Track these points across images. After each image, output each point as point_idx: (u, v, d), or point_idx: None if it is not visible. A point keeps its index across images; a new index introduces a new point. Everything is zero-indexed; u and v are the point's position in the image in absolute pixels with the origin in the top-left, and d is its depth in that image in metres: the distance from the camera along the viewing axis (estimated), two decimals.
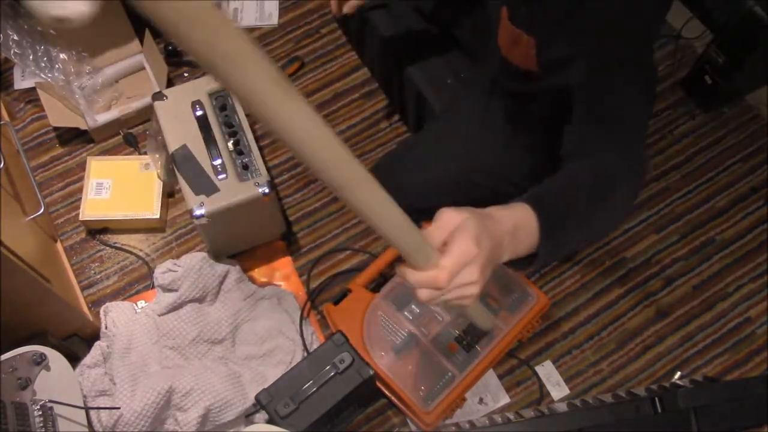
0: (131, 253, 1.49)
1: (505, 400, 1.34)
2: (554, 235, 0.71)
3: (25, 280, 1.11)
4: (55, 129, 1.61)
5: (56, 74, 1.54)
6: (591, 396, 1.29)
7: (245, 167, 1.28)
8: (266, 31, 1.75)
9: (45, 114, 1.57)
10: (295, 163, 1.58)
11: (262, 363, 1.33)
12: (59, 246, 1.49)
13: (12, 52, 1.50)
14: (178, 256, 1.43)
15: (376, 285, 1.36)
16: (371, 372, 1.16)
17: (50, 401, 1.09)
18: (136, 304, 1.41)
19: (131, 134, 1.60)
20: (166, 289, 1.37)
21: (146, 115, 1.60)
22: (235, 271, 1.39)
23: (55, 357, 1.13)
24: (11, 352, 1.11)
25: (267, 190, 1.25)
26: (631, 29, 0.83)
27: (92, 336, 1.34)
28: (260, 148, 1.55)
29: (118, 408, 1.20)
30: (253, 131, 1.35)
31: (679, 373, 1.35)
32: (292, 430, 1.11)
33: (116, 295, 1.45)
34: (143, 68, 1.65)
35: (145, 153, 1.56)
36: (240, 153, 1.30)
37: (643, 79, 0.86)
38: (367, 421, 1.32)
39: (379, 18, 1.42)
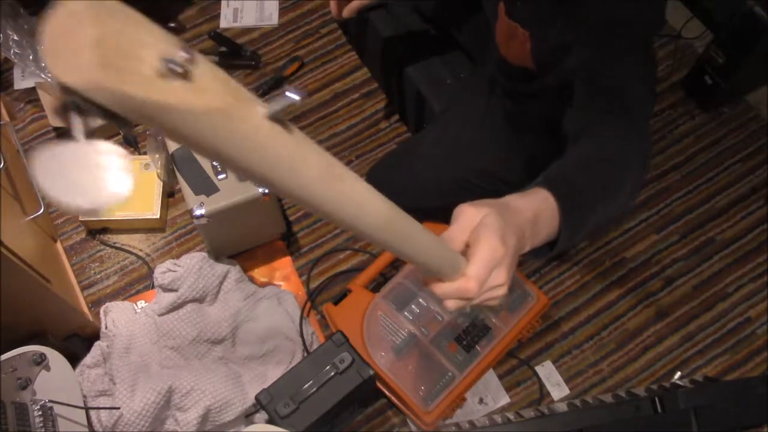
0: (131, 253, 1.49)
1: (505, 400, 1.34)
2: (574, 219, 0.68)
3: (25, 280, 1.11)
4: (55, 129, 1.61)
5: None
6: (591, 396, 1.29)
7: None
8: (266, 31, 1.75)
9: (45, 114, 1.57)
10: None
11: (262, 363, 1.33)
12: (59, 246, 1.49)
13: (12, 52, 1.50)
14: (178, 256, 1.43)
15: (376, 285, 1.36)
16: (371, 372, 1.16)
17: (50, 401, 1.09)
18: (136, 304, 1.41)
19: (131, 134, 1.60)
20: (166, 289, 1.37)
21: None
22: (235, 271, 1.39)
23: (55, 357, 1.13)
24: (11, 352, 1.11)
25: (267, 190, 1.25)
26: (626, 15, 0.82)
27: (92, 336, 1.34)
28: None
29: (118, 408, 1.20)
30: None
31: (679, 373, 1.35)
32: (292, 430, 1.11)
33: (116, 295, 1.45)
34: None
35: (145, 153, 1.56)
36: None
37: (644, 64, 0.85)
38: (367, 421, 1.32)
39: (379, 18, 1.42)
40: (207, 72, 0.35)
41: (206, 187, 1.26)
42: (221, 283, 1.38)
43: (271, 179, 0.40)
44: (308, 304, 1.41)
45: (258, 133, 0.38)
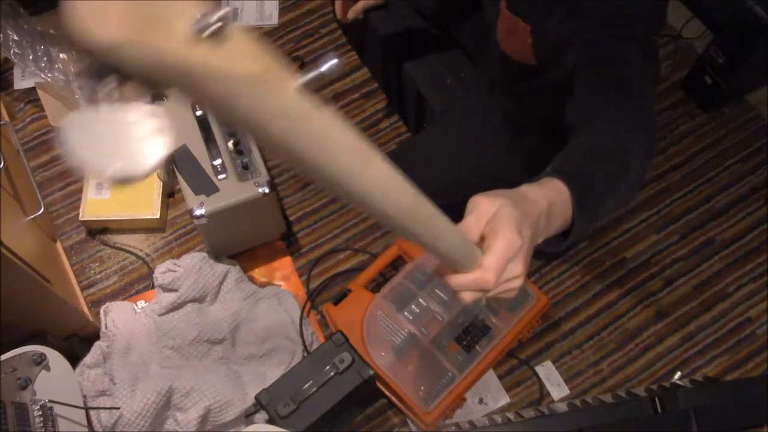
0: (131, 253, 1.49)
1: (505, 400, 1.34)
2: (587, 208, 0.68)
3: (25, 280, 1.11)
4: (55, 129, 1.60)
5: (56, 74, 1.54)
6: (591, 396, 1.29)
7: (245, 167, 1.28)
8: (266, 31, 1.75)
9: (45, 114, 1.57)
10: None
11: (262, 363, 1.33)
12: (59, 246, 1.49)
13: (12, 52, 1.50)
14: (178, 256, 1.43)
15: (376, 285, 1.36)
16: (371, 372, 1.16)
17: (50, 401, 1.09)
18: (136, 304, 1.41)
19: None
20: (166, 289, 1.37)
21: None
22: (235, 271, 1.39)
23: (55, 357, 1.13)
24: (11, 352, 1.11)
25: (267, 190, 1.25)
26: (627, 7, 0.82)
27: (92, 336, 1.34)
28: (260, 148, 1.55)
29: (118, 408, 1.20)
30: None
31: (679, 373, 1.35)
32: (292, 430, 1.11)
33: (116, 295, 1.45)
34: None
35: None
36: (240, 153, 1.30)
37: (645, 54, 0.85)
38: (367, 421, 1.32)
39: (379, 18, 1.42)
40: (242, 37, 0.34)
41: (206, 187, 1.26)
42: (221, 283, 1.38)
43: (299, 152, 0.39)
44: (308, 304, 1.40)
45: (289, 102, 0.36)
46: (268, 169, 1.31)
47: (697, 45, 1.69)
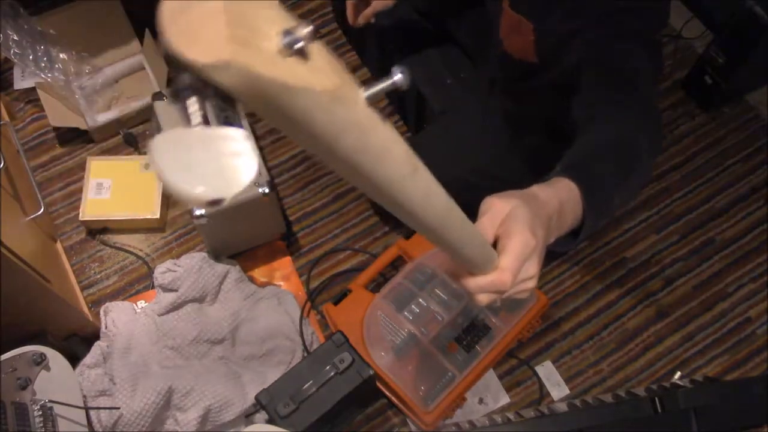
0: (131, 253, 1.49)
1: (505, 400, 1.34)
2: (597, 206, 0.68)
3: (25, 280, 1.11)
4: (55, 129, 1.61)
5: (56, 74, 1.54)
6: (591, 396, 1.29)
7: None
8: None
9: (45, 114, 1.57)
10: (295, 163, 1.58)
11: (262, 363, 1.33)
12: (59, 246, 1.49)
13: (12, 52, 1.50)
14: (178, 256, 1.43)
15: (376, 285, 1.36)
16: (371, 372, 1.16)
17: (50, 401, 1.09)
18: (136, 304, 1.41)
19: (131, 134, 1.60)
20: (166, 289, 1.37)
21: (146, 115, 1.60)
22: (235, 271, 1.39)
23: (55, 357, 1.13)
24: (11, 352, 1.11)
25: (267, 190, 1.25)
26: (630, 4, 0.82)
27: (92, 336, 1.34)
28: (260, 148, 1.56)
29: (118, 408, 1.20)
30: (253, 131, 1.35)
31: (679, 373, 1.35)
32: (292, 430, 1.11)
33: (116, 295, 1.45)
34: (143, 68, 1.65)
35: (145, 153, 1.56)
36: None
37: (650, 51, 0.85)
38: (367, 421, 1.32)
39: (378, 18, 1.42)
40: (319, 51, 0.33)
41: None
42: (221, 283, 1.38)
43: (360, 166, 0.38)
44: (308, 304, 1.41)
45: (361, 118, 0.36)
46: (268, 169, 1.31)
47: (697, 45, 1.69)
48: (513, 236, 0.56)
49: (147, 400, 1.20)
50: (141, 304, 1.41)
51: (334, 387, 1.16)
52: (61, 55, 1.56)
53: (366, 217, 1.52)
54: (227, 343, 1.34)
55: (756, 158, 1.58)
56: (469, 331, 1.23)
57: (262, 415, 1.25)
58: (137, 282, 1.46)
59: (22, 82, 1.65)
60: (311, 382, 1.16)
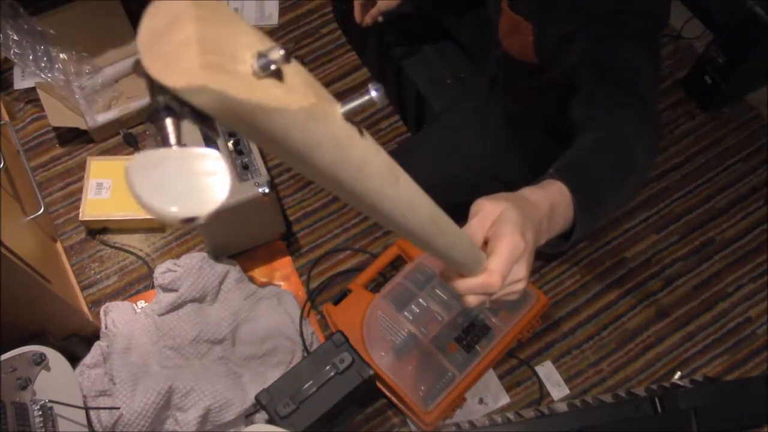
0: (131, 253, 1.49)
1: (505, 400, 1.34)
2: (589, 209, 0.68)
3: (25, 280, 1.11)
4: (55, 129, 1.61)
5: (56, 74, 1.54)
6: (591, 396, 1.29)
7: (245, 167, 1.28)
8: (266, 31, 1.75)
9: (45, 114, 1.57)
10: None
11: (262, 363, 1.33)
12: (59, 246, 1.49)
13: (12, 52, 1.50)
14: (178, 256, 1.43)
15: (376, 285, 1.36)
16: (371, 372, 1.16)
17: (50, 401, 1.09)
18: (136, 304, 1.41)
19: (131, 134, 1.60)
20: (166, 289, 1.37)
21: (146, 115, 1.60)
22: (235, 271, 1.39)
23: (55, 357, 1.13)
24: (11, 352, 1.11)
25: (267, 190, 1.25)
26: (630, 4, 0.82)
27: (92, 336, 1.34)
28: (260, 148, 1.55)
29: (118, 408, 1.20)
30: None
31: (679, 373, 1.35)
32: (292, 430, 1.11)
33: (116, 295, 1.45)
34: None
35: None
36: (240, 153, 1.30)
37: (649, 51, 0.85)
38: (367, 421, 1.32)
39: (385, 18, 1.42)
40: (294, 70, 0.34)
41: None
42: (221, 283, 1.38)
43: (340, 179, 0.39)
44: (308, 304, 1.40)
45: (337, 133, 0.37)
46: (268, 169, 1.31)
47: (697, 45, 1.69)
48: (502, 238, 0.56)
49: (147, 400, 1.20)
50: (141, 304, 1.41)
51: (334, 387, 1.16)
52: (61, 55, 1.56)
53: (366, 217, 1.52)
54: (227, 343, 1.34)
55: (756, 158, 1.58)
56: (469, 331, 1.23)
57: (262, 415, 1.25)
58: (137, 282, 1.46)
59: (22, 82, 1.65)
60: (311, 382, 1.16)
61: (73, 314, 1.30)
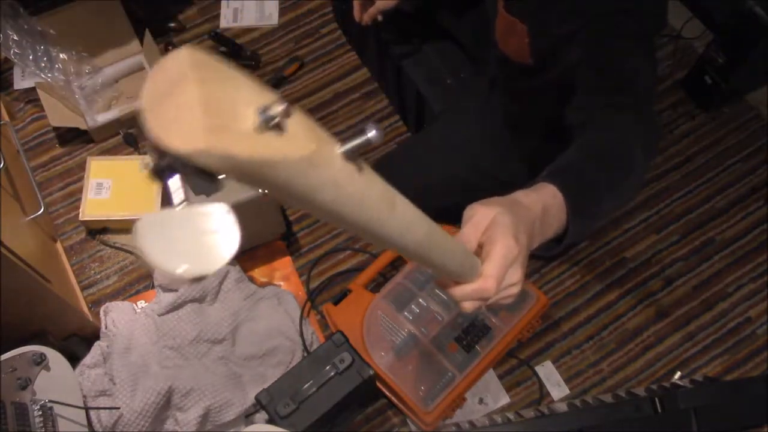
0: (131, 253, 1.49)
1: (505, 400, 1.34)
2: (582, 212, 0.68)
3: (25, 280, 1.11)
4: (55, 129, 1.61)
5: (56, 74, 1.54)
6: (591, 396, 1.29)
7: None
8: (266, 31, 1.75)
9: (45, 114, 1.57)
10: None
11: (262, 363, 1.33)
12: (59, 246, 1.49)
13: (12, 52, 1.50)
14: None
15: (376, 285, 1.36)
16: (371, 372, 1.16)
17: (50, 401, 1.09)
18: (136, 304, 1.41)
19: (131, 134, 1.60)
20: (166, 289, 1.37)
21: None
22: (235, 271, 1.39)
23: (55, 357, 1.13)
24: (11, 352, 1.11)
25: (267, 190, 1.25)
26: (627, 6, 0.82)
27: (92, 336, 1.34)
28: None
29: (118, 408, 1.20)
30: None
31: (679, 373, 1.35)
32: (292, 430, 1.11)
33: (116, 295, 1.45)
34: (143, 68, 1.65)
35: (145, 153, 1.56)
36: None
37: (646, 52, 0.85)
38: (367, 421, 1.32)
39: (384, 17, 1.42)
40: (296, 117, 0.35)
41: (206, 187, 1.25)
42: (221, 283, 1.38)
43: (342, 215, 0.40)
44: (308, 304, 1.40)
45: (337, 174, 0.38)
46: None
47: (697, 45, 1.69)
48: (496, 243, 0.57)
49: (147, 400, 1.20)
50: (141, 304, 1.41)
51: (334, 387, 1.16)
52: (61, 55, 1.56)
53: None
54: (227, 343, 1.34)
55: (756, 158, 1.58)
56: (469, 331, 1.23)
57: (262, 415, 1.25)
58: (137, 282, 1.46)
59: (22, 82, 1.65)
60: (311, 382, 1.16)
61: (73, 314, 1.30)
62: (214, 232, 0.32)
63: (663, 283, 1.46)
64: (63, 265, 1.46)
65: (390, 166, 1.38)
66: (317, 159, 0.36)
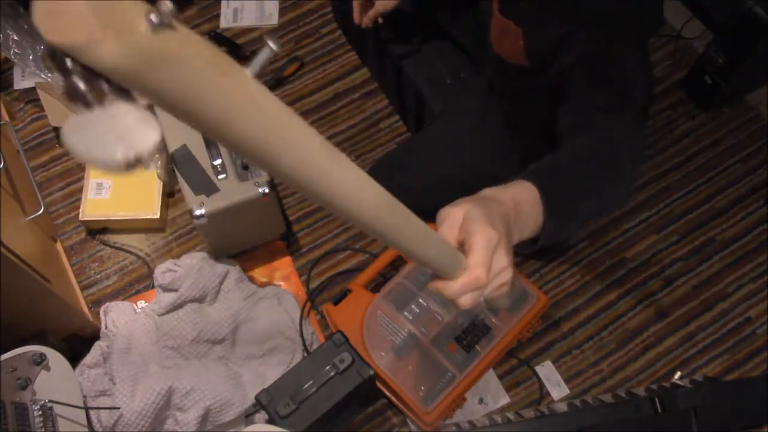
0: (131, 253, 1.49)
1: (505, 400, 1.34)
2: (560, 210, 0.68)
3: (25, 280, 1.11)
4: (55, 129, 1.60)
5: (56, 74, 1.54)
6: (591, 396, 1.29)
7: (245, 167, 1.28)
8: (266, 31, 1.75)
9: (45, 114, 1.57)
10: None
11: (262, 363, 1.33)
12: (59, 246, 1.49)
13: (12, 52, 1.50)
14: (178, 256, 1.43)
15: (376, 285, 1.36)
16: (371, 372, 1.16)
17: (50, 401, 1.09)
18: (136, 304, 1.41)
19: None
20: (166, 289, 1.37)
21: None
22: (235, 271, 1.39)
23: (55, 357, 1.13)
24: (11, 352, 1.11)
25: (267, 190, 1.25)
26: (621, 10, 0.82)
27: (92, 336, 1.34)
28: None
29: (118, 408, 1.20)
30: None
31: (679, 373, 1.35)
32: (292, 430, 1.11)
33: (116, 295, 1.45)
34: None
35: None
36: None
37: (639, 57, 0.85)
38: (367, 421, 1.32)
39: (383, 19, 1.42)
40: (183, 27, 0.35)
41: (206, 187, 1.26)
42: (221, 283, 1.38)
43: (264, 149, 0.39)
44: (308, 304, 1.41)
45: (252, 90, 0.38)
46: None
47: (697, 45, 1.69)
48: (475, 234, 0.57)
49: (147, 400, 1.20)
50: (141, 304, 1.41)
51: (334, 387, 1.16)
52: None
53: None
54: (227, 343, 1.34)
55: (756, 158, 1.58)
56: (469, 331, 1.23)
57: (262, 415, 1.25)
58: (137, 282, 1.46)
59: (22, 82, 1.65)
60: (311, 382, 1.16)
61: (73, 314, 1.30)
62: (136, 122, 0.33)
63: (663, 283, 1.46)
64: (63, 265, 1.46)
65: (390, 165, 1.38)
66: (223, 66, 0.36)
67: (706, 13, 1.67)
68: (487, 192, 0.64)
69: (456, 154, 1.26)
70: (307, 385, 1.16)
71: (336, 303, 1.29)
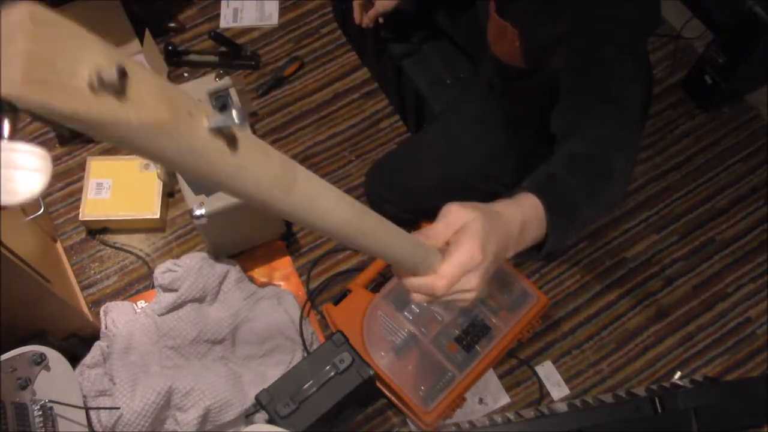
0: (131, 253, 1.49)
1: (505, 400, 1.34)
2: (562, 224, 0.68)
3: (25, 280, 1.11)
4: (55, 129, 1.61)
5: None
6: (591, 396, 1.29)
7: None
8: (266, 31, 1.75)
9: None
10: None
11: (262, 363, 1.33)
12: (59, 246, 1.49)
13: None
14: (178, 256, 1.43)
15: (376, 285, 1.36)
16: (371, 372, 1.16)
17: (50, 401, 1.09)
18: (136, 304, 1.41)
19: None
20: (166, 289, 1.37)
21: None
22: (235, 271, 1.39)
23: (55, 357, 1.13)
24: (11, 352, 1.11)
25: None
26: (618, 12, 0.82)
27: (92, 336, 1.34)
28: None
29: (118, 408, 1.20)
30: (254, 131, 1.35)
31: (679, 373, 1.35)
32: (292, 430, 1.11)
33: (116, 295, 1.45)
34: None
35: None
36: None
37: (635, 61, 0.84)
38: (367, 421, 1.32)
39: (384, 19, 1.42)
40: (145, 85, 0.35)
41: (206, 187, 1.26)
42: (221, 283, 1.38)
43: (224, 184, 0.43)
44: (308, 304, 1.40)
45: (203, 148, 0.39)
46: None
47: (697, 45, 1.69)
48: (460, 247, 0.57)
49: (147, 400, 1.20)
50: (141, 304, 1.41)
51: (334, 387, 1.16)
52: None
53: None
54: (227, 343, 1.34)
55: (756, 158, 1.58)
56: (469, 331, 1.23)
57: (262, 415, 1.25)
58: (137, 282, 1.46)
59: None
60: (311, 382, 1.16)
61: (73, 314, 1.30)
62: (23, 169, 0.34)
63: (663, 283, 1.46)
64: (63, 265, 1.46)
65: (389, 166, 1.38)
66: (170, 129, 0.36)
67: (706, 13, 1.67)
68: (500, 206, 0.63)
69: (456, 153, 1.26)
70: (307, 385, 1.16)
71: (336, 303, 1.29)
